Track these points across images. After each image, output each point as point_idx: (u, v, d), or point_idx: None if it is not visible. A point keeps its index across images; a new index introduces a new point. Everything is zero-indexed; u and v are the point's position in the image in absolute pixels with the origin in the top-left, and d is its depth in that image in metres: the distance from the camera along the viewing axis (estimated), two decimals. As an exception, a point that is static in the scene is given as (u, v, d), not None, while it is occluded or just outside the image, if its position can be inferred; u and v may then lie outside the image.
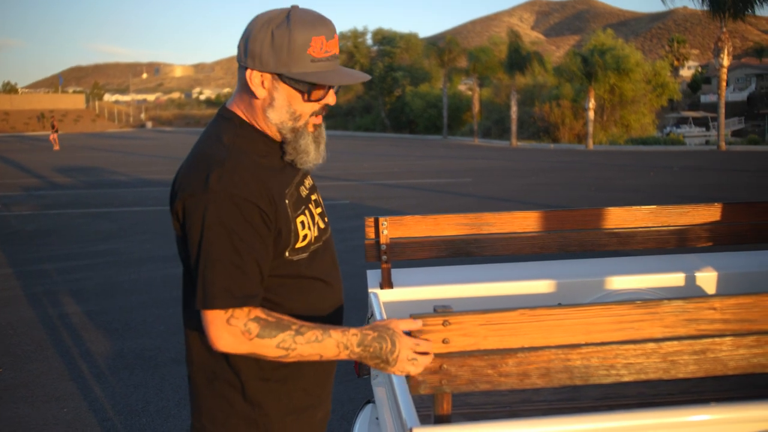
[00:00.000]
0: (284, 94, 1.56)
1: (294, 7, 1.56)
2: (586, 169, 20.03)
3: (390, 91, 56.45)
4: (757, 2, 25.09)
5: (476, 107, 42.88)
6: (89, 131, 66.36)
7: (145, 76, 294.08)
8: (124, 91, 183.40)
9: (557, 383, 1.72)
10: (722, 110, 28.72)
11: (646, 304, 1.70)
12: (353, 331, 1.60)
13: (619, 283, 3.19)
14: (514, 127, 37.46)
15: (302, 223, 1.61)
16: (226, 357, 1.61)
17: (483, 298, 3.18)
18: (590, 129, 34.08)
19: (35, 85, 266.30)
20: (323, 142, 1.67)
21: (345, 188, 15.48)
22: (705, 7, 25.62)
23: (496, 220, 3.25)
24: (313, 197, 1.72)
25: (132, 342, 5.32)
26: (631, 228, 3.29)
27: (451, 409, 1.74)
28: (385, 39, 57.77)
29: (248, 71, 1.55)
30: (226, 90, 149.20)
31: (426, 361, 1.62)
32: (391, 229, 3.19)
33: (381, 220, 3.16)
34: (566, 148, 34.62)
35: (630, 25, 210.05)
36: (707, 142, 41.24)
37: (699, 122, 53.46)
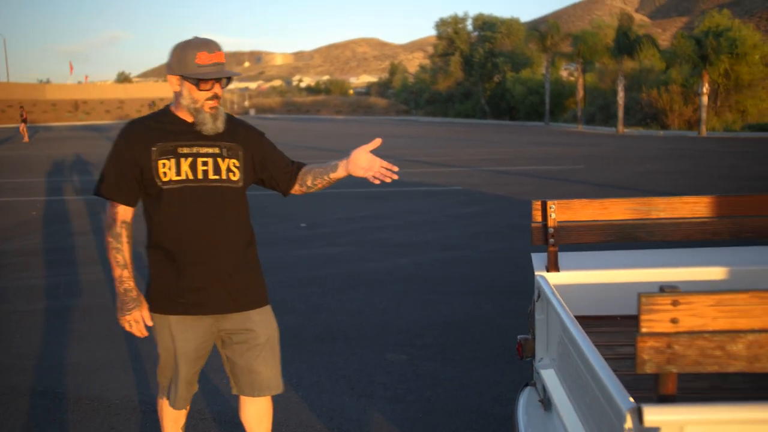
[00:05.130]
0: (186, 87, 2.53)
1: (194, 37, 2.55)
2: (703, 157, 19.23)
3: (490, 77, 55.76)
4: None
5: (580, 93, 41.79)
6: (196, 118, 68.89)
7: (247, 64, 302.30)
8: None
9: (790, 368, 1.70)
10: None
11: None
12: (128, 282, 2.62)
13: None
14: (620, 113, 36.31)
15: (163, 164, 2.54)
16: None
17: (658, 283, 3.14)
18: (703, 115, 32.62)
19: (145, 75, 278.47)
20: (220, 117, 2.60)
21: (454, 174, 15.49)
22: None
23: (665, 205, 3.20)
24: (203, 157, 2.59)
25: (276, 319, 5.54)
26: (811, 215, 3.16)
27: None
28: (486, 24, 57.01)
29: (168, 76, 2.57)
30: (326, 77, 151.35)
31: (133, 330, 2.65)
32: (558, 212, 3.20)
33: (549, 203, 3.17)
34: (676, 134, 33.31)
35: (744, 4, 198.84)
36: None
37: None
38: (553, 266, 3.20)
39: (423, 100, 64.25)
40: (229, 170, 2.63)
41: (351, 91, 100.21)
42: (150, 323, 2.67)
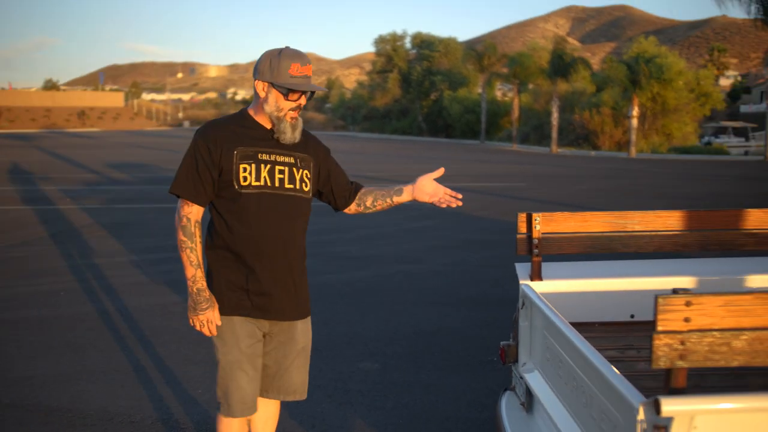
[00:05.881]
0: (274, 95, 2.58)
1: (286, 47, 2.61)
2: (637, 177, 20.02)
3: (427, 95, 56.52)
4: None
5: (516, 113, 42.84)
6: (128, 129, 67.41)
7: (180, 75, 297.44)
8: (160, 90, 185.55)
9: (787, 362, 1.89)
10: (771, 120, 28.39)
11: None
12: (201, 282, 2.61)
13: (760, 281, 3.34)
14: (554, 134, 37.36)
15: (244, 168, 2.58)
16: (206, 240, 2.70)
17: (629, 291, 3.35)
18: (633, 137, 33.91)
19: (73, 83, 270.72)
20: (299, 128, 2.67)
21: (401, 190, 15.66)
22: (760, 16, 25.39)
23: (640, 218, 3.41)
24: (281, 165, 2.65)
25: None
26: (770, 229, 3.43)
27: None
28: (424, 43, 57.85)
29: (257, 81, 2.61)
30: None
31: (204, 331, 2.66)
32: (542, 224, 3.36)
33: (534, 215, 3.33)
34: (607, 155, 34.50)
35: (667, 33, 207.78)
36: (746, 153, 40.73)
37: (738, 132, 52.67)
38: (537, 275, 3.36)
39: (360, 116, 64.60)
40: (302, 180, 2.69)
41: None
42: (219, 323, 2.66)
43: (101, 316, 5.97)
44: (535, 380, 3.15)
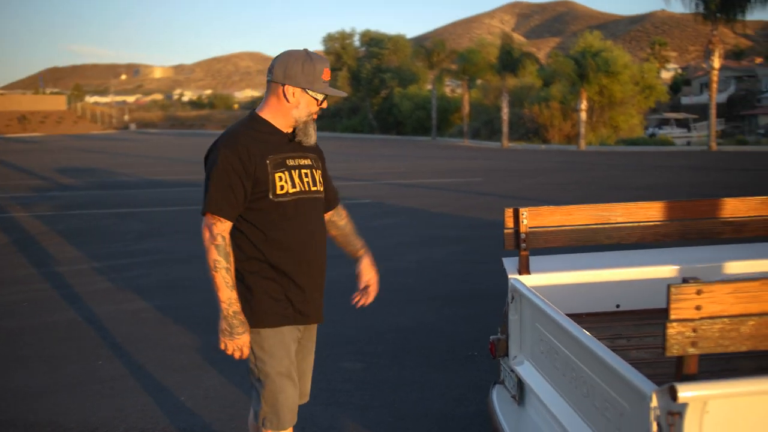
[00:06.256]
0: (306, 100, 2.53)
1: (306, 50, 2.57)
2: (589, 169, 20.40)
3: (377, 93, 56.62)
4: (750, 5, 25.69)
5: (466, 108, 43.22)
6: (72, 133, 65.72)
7: (124, 77, 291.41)
8: (103, 92, 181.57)
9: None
10: (713, 111, 29.28)
11: None
12: (237, 305, 2.49)
13: (738, 267, 3.45)
14: (505, 128, 37.80)
15: (279, 177, 2.52)
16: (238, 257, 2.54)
17: (615, 282, 3.42)
18: (582, 130, 34.54)
19: (11, 87, 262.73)
20: (315, 129, 2.67)
21: (361, 188, 15.67)
22: (700, 11, 26.16)
23: (623, 210, 3.49)
24: (304, 168, 2.61)
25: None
26: (746, 217, 3.55)
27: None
28: (373, 41, 57.92)
29: (286, 86, 2.52)
30: (208, 91, 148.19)
31: (236, 355, 2.55)
32: (529, 219, 3.41)
33: (521, 210, 3.37)
34: (557, 148, 35.07)
35: (609, 27, 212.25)
36: (689, 143, 41.96)
37: (680, 123, 54.23)
38: (524, 269, 3.40)
39: (311, 115, 64.29)
40: (319, 181, 2.68)
41: (236, 105, 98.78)
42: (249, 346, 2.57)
43: (70, 326, 5.83)
44: (528, 373, 3.19)
